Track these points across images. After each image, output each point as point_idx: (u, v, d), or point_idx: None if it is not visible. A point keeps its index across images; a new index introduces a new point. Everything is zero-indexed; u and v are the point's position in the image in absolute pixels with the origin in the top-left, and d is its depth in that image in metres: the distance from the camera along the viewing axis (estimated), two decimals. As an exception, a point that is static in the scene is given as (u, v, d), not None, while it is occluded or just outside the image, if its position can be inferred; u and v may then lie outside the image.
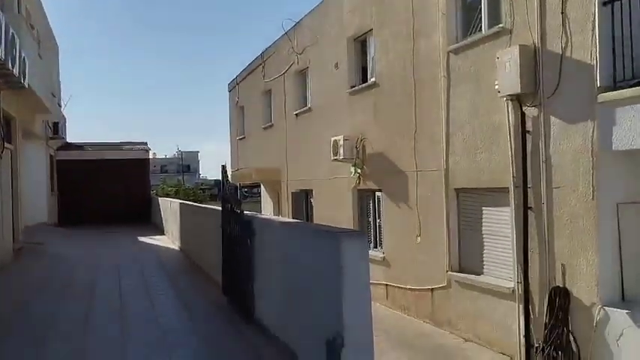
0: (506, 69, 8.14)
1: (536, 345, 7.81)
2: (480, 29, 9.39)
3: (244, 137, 23.42)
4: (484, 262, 9.43)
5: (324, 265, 4.73)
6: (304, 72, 16.98)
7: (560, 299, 7.44)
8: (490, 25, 9.12)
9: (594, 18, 6.99)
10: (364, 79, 13.61)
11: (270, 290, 6.32)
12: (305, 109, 16.66)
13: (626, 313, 6.61)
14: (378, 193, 12.78)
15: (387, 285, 12.08)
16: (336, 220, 13.83)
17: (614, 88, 6.81)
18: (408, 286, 11.27)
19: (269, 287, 6.34)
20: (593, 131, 7.07)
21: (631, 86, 6.60)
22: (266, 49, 19.85)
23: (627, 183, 7.11)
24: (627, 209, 7.07)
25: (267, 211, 21.51)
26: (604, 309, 6.88)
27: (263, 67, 19.99)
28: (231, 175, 24.96)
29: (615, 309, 6.78)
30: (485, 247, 9.43)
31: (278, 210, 19.72)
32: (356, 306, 4.37)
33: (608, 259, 7.02)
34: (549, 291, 7.63)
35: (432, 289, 10.47)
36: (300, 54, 16.56)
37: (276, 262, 6.10)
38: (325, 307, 4.68)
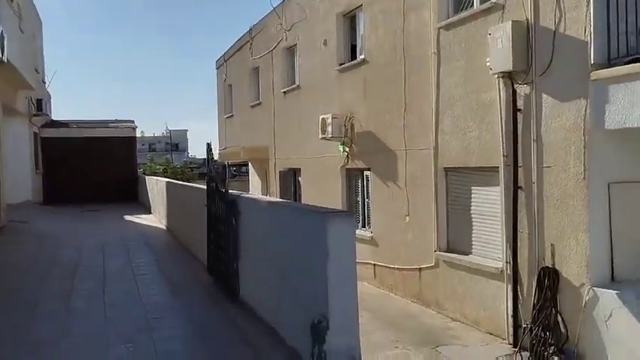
0: (498, 45, 7.96)
1: (524, 325, 7.76)
2: (472, 5, 9.19)
3: (232, 115, 23.15)
4: (473, 242, 9.34)
5: (310, 245, 4.60)
6: (292, 49, 16.71)
7: (549, 280, 7.36)
8: (482, 1, 8.91)
9: (589, -7, 6.81)
10: (353, 57, 13.39)
11: (255, 270, 6.19)
12: (293, 86, 16.42)
13: (616, 293, 6.54)
14: (366, 172, 12.64)
15: (374, 264, 11.99)
16: (323, 199, 13.71)
17: (608, 65, 6.67)
18: (396, 266, 11.19)
19: (254, 267, 6.21)
20: (585, 109, 6.94)
21: (625, 63, 6.46)
22: (254, 25, 19.51)
23: (619, 162, 7.01)
24: (619, 189, 6.98)
25: (255, 189, 21.34)
26: (593, 289, 6.81)
27: (251, 44, 19.65)
28: (220, 153, 24.76)
29: (605, 289, 6.71)
30: (474, 227, 9.34)
31: (266, 189, 19.56)
32: (342, 288, 4.24)
33: (598, 239, 6.94)
34: (538, 271, 7.55)
35: (420, 269, 10.39)
36: (288, 30, 16.27)
37: (262, 242, 5.97)
38: (311, 289, 4.55)
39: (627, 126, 6.39)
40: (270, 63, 18.00)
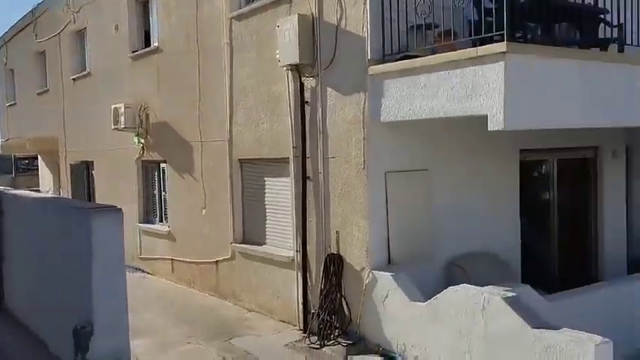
0: (285, 38, 8.08)
1: (312, 311, 8.02)
2: (263, -4, 9.23)
3: (15, 103, 20.99)
4: (267, 233, 9.45)
5: (75, 244, 4.22)
6: (82, 33, 15.54)
7: (334, 265, 7.68)
8: (272, -7, 8.98)
9: (366, -9, 7.17)
10: (148, 44, 12.79)
11: (21, 273, 5.58)
12: (84, 73, 15.28)
13: (391, 275, 7.00)
14: (162, 165, 12.20)
15: (172, 259, 11.66)
16: (118, 193, 13.10)
17: (383, 61, 7.09)
18: (194, 260, 10.97)
19: (22, 270, 5.60)
20: (364, 103, 7.30)
21: (397, 60, 6.91)
22: (37, 4, 17.80)
23: (395, 153, 7.48)
24: (394, 178, 7.46)
25: (45, 185, 19.64)
26: (372, 273, 7.23)
27: (35, 25, 17.93)
28: (2, 145, 22.34)
29: (382, 272, 7.15)
30: (267, 218, 9.45)
31: (58, 183, 18.05)
32: (108, 290, 3.93)
33: (377, 225, 7.36)
34: (325, 258, 7.84)
35: (217, 262, 10.29)
36: (76, 12, 15.09)
37: (30, 242, 5.39)
38: (75, 292, 4.18)
39: (399, 119, 6.85)
40: (58, 47, 16.58)
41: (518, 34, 6.58)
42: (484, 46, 5.79)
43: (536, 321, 5.48)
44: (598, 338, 4.99)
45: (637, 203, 11.53)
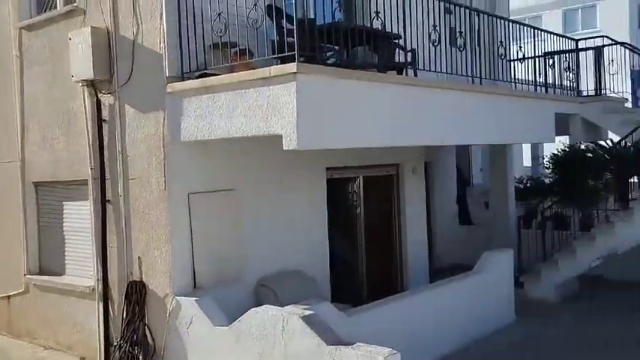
0: (79, 52, 7.53)
1: (114, 343, 7.48)
2: (55, 6, 8.54)
3: None
4: (66, 262, 8.70)
5: None
6: None
7: (137, 293, 7.24)
8: (65, 2, 8.34)
9: (162, 6, 6.89)
10: None
11: None
12: None
13: (195, 300, 6.71)
14: (-57, 190, 10.78)
15: (-46, 297, 10.31)
16: None
17: (182, 79, 6.84)
18: (-19, 296, 9.78)
19: None
20: (163, 122, 6.98)
21: (195, 78, 6.72)
22: None
23: (198, 173, 7.24)
24: (198, 199, 7.21)
25: None
26: (176, 299, 6.88)
27: None
28: None
29: (186, 297, 6.83)
30: (67, 245, 8.71)
31: None
32: None
33: (180, 249, 7.04)
34: (126, 286, 7.37)
35: (9, 297, 9.27)
36: None
37: None
38: None
39: (199, 138, 6.63)
40: None
41: (318, 56, 6.72)
42: (276, 67, 5.81)
43: (333, 338, 5.52)
44: (387, 351, 5.13)
45: (436, 215, 12.49)
